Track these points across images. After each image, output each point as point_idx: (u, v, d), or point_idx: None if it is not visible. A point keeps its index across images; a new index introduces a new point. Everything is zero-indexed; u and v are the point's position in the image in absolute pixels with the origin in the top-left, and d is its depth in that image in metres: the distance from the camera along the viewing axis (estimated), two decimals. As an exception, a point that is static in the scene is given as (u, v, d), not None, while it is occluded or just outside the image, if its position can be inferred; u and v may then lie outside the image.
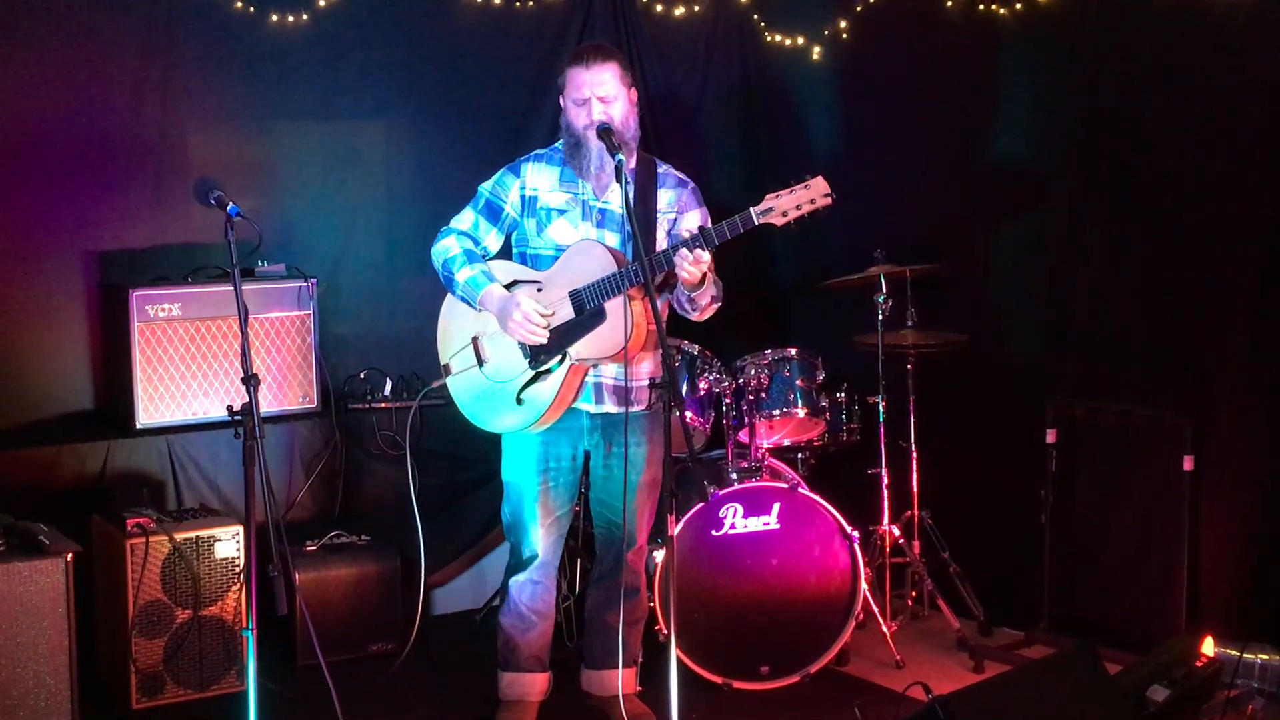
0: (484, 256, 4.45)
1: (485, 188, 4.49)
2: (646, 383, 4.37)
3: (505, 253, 4.55)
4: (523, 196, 4.44)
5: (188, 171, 5.44)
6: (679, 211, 4.44)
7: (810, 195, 4.06)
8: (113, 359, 5.30)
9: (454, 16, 5.96)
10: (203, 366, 5.22)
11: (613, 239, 4.35)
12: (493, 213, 4.45)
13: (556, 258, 4.36)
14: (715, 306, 4.41)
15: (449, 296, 4.52)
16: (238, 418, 3.75)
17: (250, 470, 3.73)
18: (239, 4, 5.49)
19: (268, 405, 5.29)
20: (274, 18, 5.57)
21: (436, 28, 5.94)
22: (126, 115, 5.36)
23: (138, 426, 5.14)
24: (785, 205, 4.06)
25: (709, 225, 4.35)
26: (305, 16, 5.62)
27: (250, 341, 4.15)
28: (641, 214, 4.34)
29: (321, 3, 5.64)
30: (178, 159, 5.47)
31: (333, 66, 5.74)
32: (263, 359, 5.33)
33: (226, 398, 5.14)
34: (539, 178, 4.44)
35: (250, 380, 3.75)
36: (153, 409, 5.16)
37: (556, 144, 4.48)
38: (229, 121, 5.58)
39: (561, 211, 4.41)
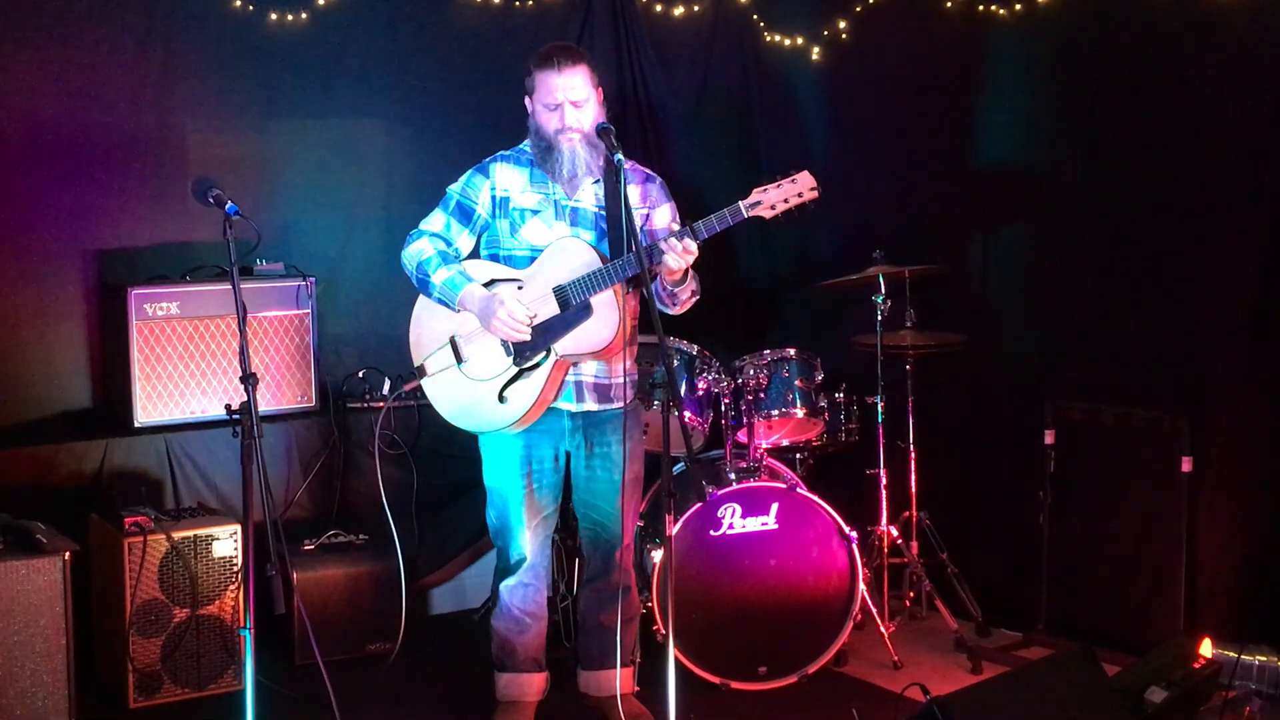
0: (456, 257, 4.44)
1: (454, 190, 4.46)
2: (624, 379, 4.41)
3: (473, 255, 4.52)
4: (494, 197, 4.41)
5: (186, 170, 5.45)
6: (650, 207, 4.45)
7: (797, 189, 4.15)
8: (111, 357, 5.30)
9: (453, 16, 5.96)
10: (201, 365, 5.22)
11: (587, 237, 4.36)
12: (464, 214, 4.43)
13: (531, 258, 4.35)
14: (694, 300, 4.44)
15: (420, 300, 4.48)
16: (236, 416, 3.74)
17: (248, 469, 3.72)
18: (238, 3, 5.49)
19: (266, 404, 5.29)
20: (273, 16, 5.57)
21: (435, 27, 5.94)
22: (125, 114, 5.37)
23: (136, 425, 5.14)
24: (773, 199, 4.13)
25: (677, 219, 4.39)
26: (304, 15, 5.62)
27: (248, 340, 4.15)
28: (615, 212, 4.35)
29: (320, 2, 5.64)
30: (176, 157, 5.48)
31: (332, 65, 5.75)
32: (261, 358, 5.33)
33: (225, 396, 5.15)
34: (509, 178, 4.42)
35: (248, 379, 3.75)
36: (151, 407, 5.16)
37: (521, 145, 4.46)
38: (228, 120, 5.58)
39: (535, 212, 4.39)
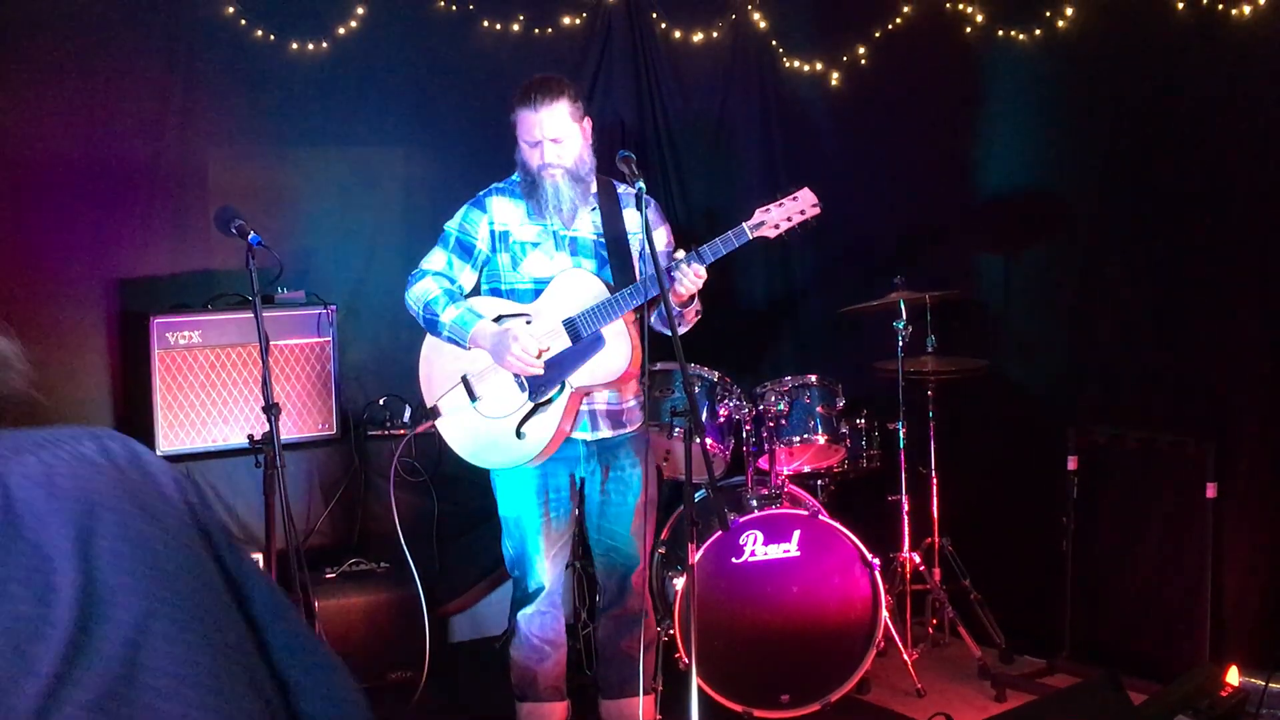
0: (461, 295, 4.42)
1: (452, 227, 4.43)
2: (634, 403, 4.42)
3: (474, 291, 4.51)
4: (493, 232, 4.39)
5: (208, 198, 5.46)
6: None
7: (800, 207, 4.18)
8: (132, 386, 5.31)
9: (473, 44, 5.98)
10: (222, 393, 5.23)
11: (589, 265, 4.36)
12: (465, 250, 4.40)
13: (535, 290, 4.34)
14: (697, 318, 4.45)
15: (428, 340, 4.46)
16: (258, 446, 3.75)
17: (271, 499, 3.73)
18: (259, 32, 5.52)
19: (287, 432, 5.26)
20: (294, 46, 5.59)
21: (455, 55, 5.96)
22: (147, 143, 5.39)
23: (157, 453, 5.13)
24: (776, 218, 4.15)
25: (672, 242, 4.42)
26: (325, 45, 5.65)
27: (269, 369, 4.15)
28: (615, 236, 4.35)
29: (341, 31, 5.66)
30: (198, 186, 5.50)
31: (352, 94, 5.77)
32: (282, 386, 5.34)
33: (246, 425, 5.16)
34: (507, 212, 4.40)
35: (271, 409, 3.75)
36: (172, 436, 5.17)
37: (513, 176, 4.46)
38: (249, 149, 5.60)
39: (535, 244, 4.38)
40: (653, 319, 4.35)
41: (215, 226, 4.00)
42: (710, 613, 4.83)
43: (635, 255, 4.42)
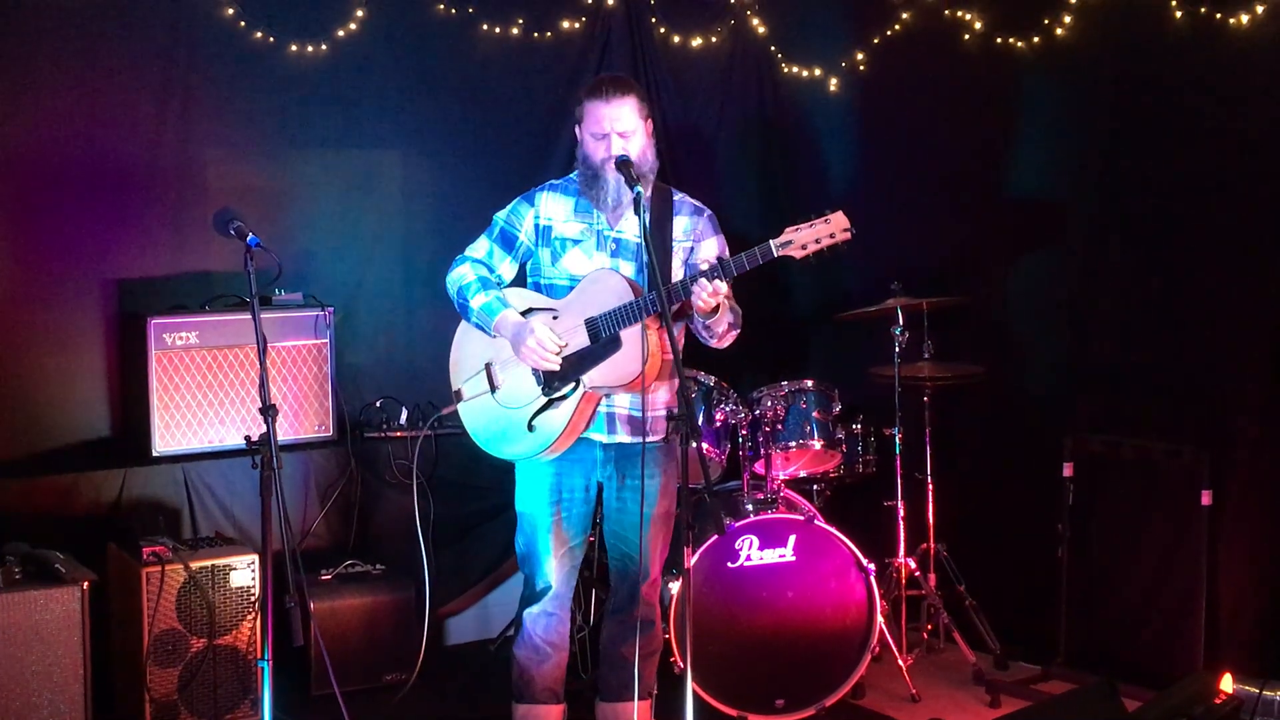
0: (499, 284, 4.46)
1: (500, 216, 4.50)
2: (663, 413, 4.35)
3: (519, 281, 4.55)
4: (537, 226, 4.44)
5: (206, 200, 5.46)
6: (696, 240, 4.44)
7: (830, 230, 4.08)
8: (130, 386, 5.31)
9: (472, 47, 5.98)
10: (219, 394, 5.23)
11: (628, 269, 4.36)
12: (507, 241, 4.46)
13: (571, 287, 4.37)
14: (734, 334, 4.41)
15: (462, 324, 4.52)
16: (255, 447, 3.75)
17: (267, 500, 3.72)
18: (259, 34, 5.52)
19: (283, 434, 5.28)
20: (293, 48, 5.59)
21: (455, 58, 5.96)
22: (146, 144, 5.39)
23: (154, 454, 5.15)
24: (805, 239, 4.07)
25: (726, 253, 4.37)
26: (324, 47, 5.65)
27: (267, 370, 4.15)
28: (658, 242, 4.34)
29: (340, 33, 5.66)
30: (196, 188, 5.49)
31: (351, 96, 5.76)
32: (279, 387, 5.34)
33: (243, 426, 5.16)
34: (554, 207, 4.44)
35: (268, 411, 3.75)
36: (169, 437, 5.17)
37: (571, 174, 4.48)
38: (248, 151, 5.60)
39: (576, 241, 4.41)
40: (689, 326, 4.38)
41: (213, 228, 3.99)
42: (705, 617, 4.83)
43: (679, 261, 4.42)
